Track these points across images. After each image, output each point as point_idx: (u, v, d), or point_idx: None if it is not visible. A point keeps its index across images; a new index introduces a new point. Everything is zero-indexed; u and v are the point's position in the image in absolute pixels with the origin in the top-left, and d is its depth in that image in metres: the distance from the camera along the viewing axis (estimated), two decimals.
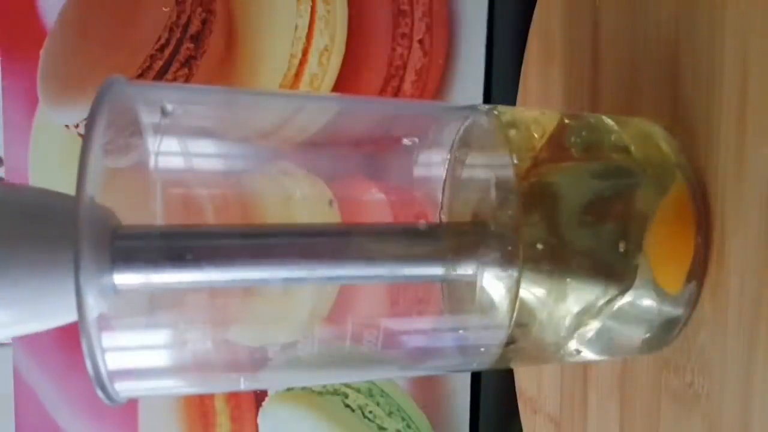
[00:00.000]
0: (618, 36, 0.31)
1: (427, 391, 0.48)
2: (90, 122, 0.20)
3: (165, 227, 0.23)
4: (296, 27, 0.46)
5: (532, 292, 0.23)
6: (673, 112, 0.27)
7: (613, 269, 0.24)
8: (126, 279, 0.21)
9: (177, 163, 0.24)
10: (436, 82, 0.46)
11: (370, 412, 0.47)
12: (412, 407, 0.48)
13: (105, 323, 0.19)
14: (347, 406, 0.47)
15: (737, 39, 0.24)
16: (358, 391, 0.47)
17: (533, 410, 0.38)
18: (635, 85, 0.30)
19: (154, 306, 0.24)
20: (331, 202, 0.26)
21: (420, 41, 0.46)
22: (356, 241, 0.24)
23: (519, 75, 0.41)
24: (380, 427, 0.47)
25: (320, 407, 0.47)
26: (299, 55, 0.46)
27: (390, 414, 0.48)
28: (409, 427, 0.48)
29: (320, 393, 0.47)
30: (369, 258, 0.24)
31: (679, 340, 0.26)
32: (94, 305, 0.19)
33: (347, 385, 0.47)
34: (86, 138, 0.19)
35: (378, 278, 0.25)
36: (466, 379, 0.48)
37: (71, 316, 0.19)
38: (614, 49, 0.31)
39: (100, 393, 0.20)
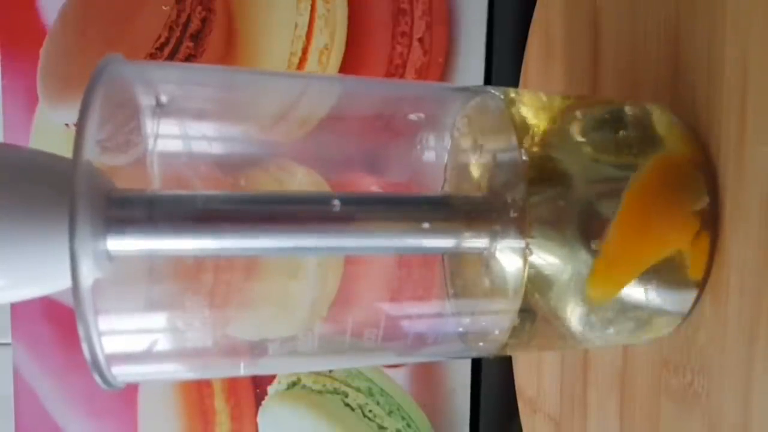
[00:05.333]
0: (618, 36, 0.31)
1: (427, 390, 0.48)
2: (88, 91, 0.19)
3: (161, 192, 0.22)
4: (296, 25, 0.46)
5: (539, 272, 0.23)
6: (672, 111, 0.27)
7: None
8: (119, 245, 0.20)
9: (174, 156, 0.24)
10: (436, 80, 0.46)
11: (370, 411, 0.47)
12: (412, 407, 0.48)
13: (102, 308, 0.19)
14: (347, 405, 0.47)
15: (737, 38, 0.24)
16: (358, 390, 0.47)
17: (533, 410, 0.38)
18: (635, 85, 0.30)
19: (152, 300, 0.24)
20: None
21: (420, 40, 0.46)
22: (366, 210, 0.22)
23: (519, 74, 0.41)
24: (380, 427, 0.47)
25: (320, 406, 0.47)
26: (299, 54, 0.46)
27: (390, 413, 0.48)
28: (409, 426, 0.48)
29: (320, 392, 0.47)
30: (379, 228, 0.23)
31: (679, 340, 0.26)
32: (88, 271, 0.18)
33: (347, 384, 0.47)
34: (84, 104, 0.19)
35: (387, 249, 0.24)
36: (466, 379, 0.48)
37: (64, 281, 0.19)
38: (614, 49, 0.31)
39: (97, 377, 0.19)
